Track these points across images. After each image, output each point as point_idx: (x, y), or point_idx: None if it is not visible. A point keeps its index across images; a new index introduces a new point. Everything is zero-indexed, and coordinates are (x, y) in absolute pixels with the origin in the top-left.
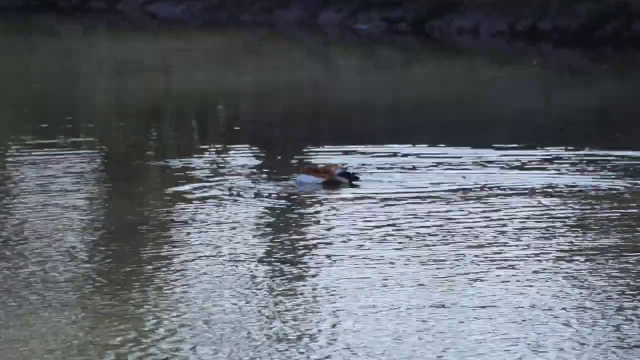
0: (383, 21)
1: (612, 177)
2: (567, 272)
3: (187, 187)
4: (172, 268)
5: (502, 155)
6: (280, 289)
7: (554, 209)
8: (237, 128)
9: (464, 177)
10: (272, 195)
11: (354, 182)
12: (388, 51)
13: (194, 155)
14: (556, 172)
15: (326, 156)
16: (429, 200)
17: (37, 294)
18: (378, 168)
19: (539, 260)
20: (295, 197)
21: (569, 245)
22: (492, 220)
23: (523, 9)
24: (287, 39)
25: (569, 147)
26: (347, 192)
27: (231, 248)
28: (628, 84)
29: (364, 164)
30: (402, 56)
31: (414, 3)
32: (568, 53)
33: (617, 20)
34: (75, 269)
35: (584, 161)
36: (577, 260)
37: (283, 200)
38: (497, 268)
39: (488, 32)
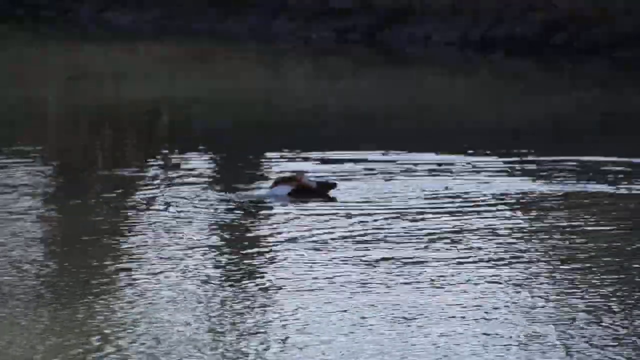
0: (335, 31)
1: (564, 183)
2: (512, 278)
3: (136, 197)
4: (121, 281)
5: (451, 164)
6: (233, 303)
7: (503, 217)
8: (188, 137)
9: (446, 187)
10: (225, 205)
11: (330, 191)
12: (339, 60)
13: (144, 165)
14: (507, 179)
15: (277, 163)
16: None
17: None
18: (334, 175)
19: (475, 267)
20: (249, 206)
21: (513, 252)
22: (447, 226)
23: (475, 18)
24: (239, 47)
25: (520, 155)
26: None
27: (183, 260)
28: (579, 93)
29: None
30: (353, 65)
31: (366, 13)
32: (519, 62)
33: (568, 30)
34: (19, 282)
35: (535, 168)
36: (518, 266)
37: (237, 210)
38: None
39: (440, 41)
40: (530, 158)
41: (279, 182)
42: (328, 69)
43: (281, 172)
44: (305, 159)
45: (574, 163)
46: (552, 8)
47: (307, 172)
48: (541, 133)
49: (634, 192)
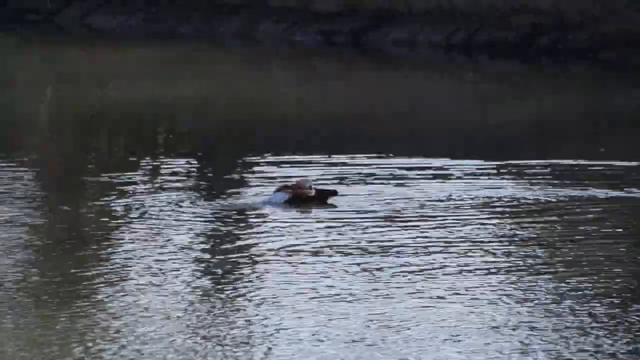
0: (321, 33)
1: (547, 187)
2: (498, 287)
3: (123, 204)
4: (105, 290)
5: (438, 168)
6: (218, 313)
7: (486, 222)
8: (174, 141)
9: (449, 195)
10: (211, 211)
11: (330, 198)
12: (325, 63)
13: (131, 170)
14: (491, 183)
15: (264, 167)
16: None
17: None
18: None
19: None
20: (238, 213)
21: (499, 260)
22: (433, 233)
23: (459, 20)
24: (225, 50)
25: (504, 159)
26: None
27: (166, 267)
28: (563, 95)
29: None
30: (338, 68)
31: (351, 15)
32: (504, 65)
33: (553, 32)
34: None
35: (520, 172)
36: (506, 275)
37: (225, 217)
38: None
39: (425, 44)
40: (516, 162)
41: (280, 189)
42: (314, 72)
43: (285, 179)
44: (292, 163)
45: (561, 166)
46: (536, 11)
47: (306, 177)
48: (527, 136)
49: (621, 195)
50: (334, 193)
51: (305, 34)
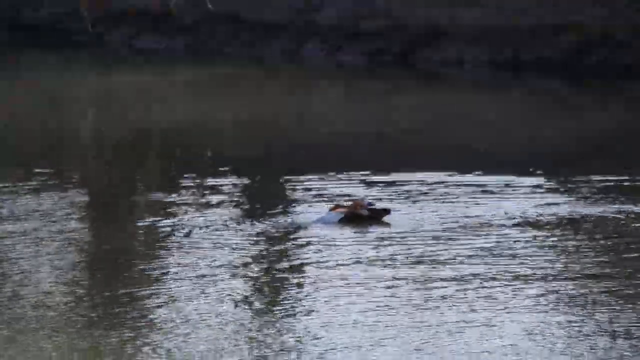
0: (367, 53)
1: (598, 203)
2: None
3: (169, 222)
4: (154, 308)
5: (484, 185)
6: (265, 330)
7: (539, 239)
8: (220, 161)
9: (505, 213)
10: (258, 230)
11: (384, 217)
12: (372, 83)
13: (177, 189)
14: (544, 199)
15: (310, 186)
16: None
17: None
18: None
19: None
20: (282, 231)
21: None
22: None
23: (506, 39)
24: (270, 71)
25: (554, 176)
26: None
27: (215, 286)
28: (612, 114)
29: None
30: (385, 87)
31: (397, 35)
32: (551, 83)
33: (601, 50)
34: (45, 309)
35: (571, 189)
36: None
37: (270, 235)
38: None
39: (471, 62)
40: (571, 178)
41: (333, 208)
42: (361, 92)
43: (345, 198)
44: (341, 182)
45: (615, 182)
46: (584, 27)
47: (365, 196)
48: (578, 153)
49: None
50: (387, 212)
51: (351, 54)
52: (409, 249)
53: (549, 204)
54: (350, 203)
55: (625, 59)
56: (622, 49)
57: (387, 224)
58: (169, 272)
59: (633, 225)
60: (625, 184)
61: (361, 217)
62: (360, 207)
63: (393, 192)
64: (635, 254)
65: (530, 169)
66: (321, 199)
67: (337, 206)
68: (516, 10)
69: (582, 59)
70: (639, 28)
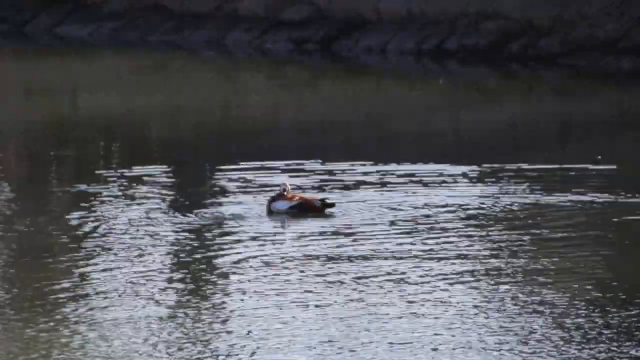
0: (291, 41)
1: (517, 192)
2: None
3: (95, 214)
4: (72, 302)
5: (407, 173)
6: (184, 323)
7: (451, 226)
8: (147, 150)
9: (446, 205)
10: (185, 222)
11: (328, 209)
12: (296, 71)
13: (102, 180)
14: (462, 189)
15: (238, 174)
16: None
17: None
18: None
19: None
20: (210, 223)
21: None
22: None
23: (430, 28)
24: (195, 59)
25: (476, 164)
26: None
27: (136, 279)
28: (533, 101)
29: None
30: (309, 75)
31: (322, 23)
32: (474, 71)
33: (523, 38)
34: None
35: (492, 177)
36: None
37: (197, 226)
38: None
39: (395, 51)
40: (489, 166)
41: (276, 198)
42: (285, 79)
43: (258, 188)
44: (266, 170)
45: (535, 171)
46: (506, 17)
47: (283, 183)
48: (500, 141)
49: (596, 200)
50: (332, 205)
51: (276, 42)
52: (351, 243)
53: (469, 195)
54: (293, 195)
55: (546, 47)
56: (542, 37)
57: (331, 217)
58: (90, 265)
59: (548, 215)
60: (546, 173)
61: (313, 207)
62: (312, 199)
63: (322, 181)
64: (564, 243)
65: (456, 158)
66: (248, 189)
67: (280, 195)
68: (439, 0)
69: (504, 47)
70: (559, 17)
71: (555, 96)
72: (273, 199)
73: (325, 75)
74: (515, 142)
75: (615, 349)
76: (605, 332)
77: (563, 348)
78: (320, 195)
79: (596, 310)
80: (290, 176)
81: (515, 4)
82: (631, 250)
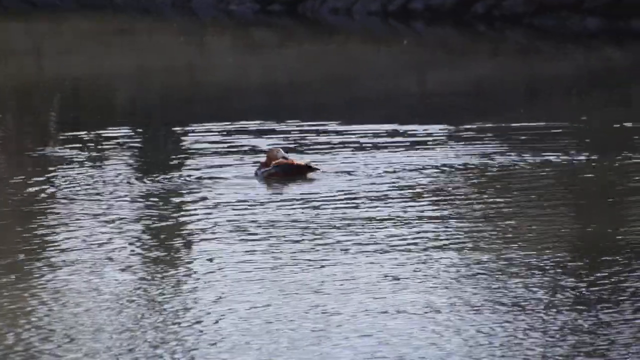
0: (256, 2)
1: (484, 152)
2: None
3: (60, 177)
4: (33, 268)
5: (374, 135)
6: (145, 292)
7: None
8: (112, 112)
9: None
10: (150, 188)
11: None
12: (262, 32)
13: (69, 143)
14: (430, 150)
15: (204, 135)
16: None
17: None
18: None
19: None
20: (171, 191)
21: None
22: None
23: None
24: (161, 21)
25: (441, 124)
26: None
27: (100, 246)
28: (500, 61)
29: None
30: (275, 37)
31: None
32: (440, 31)
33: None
34: None
35: (457, 138)
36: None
37: (163, 192)
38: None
39: (361, 11)
40: (454, 127)
41: (261, 166)
42: (251, 42)
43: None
44: (233, 132)
45: (496, 129)
46: None
47: (276, 146)
48: (463, 101)
49: (560, 159)
50: (313, 169)
51: (241, 3)
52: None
53: (440, 156)
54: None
55: (511, 7)
56: None
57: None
58: (54, 230)
59: (513, 176)
60: (509, 132)
61: (300, 167)
62: (274, 158)
63: (294, 143)
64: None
65: (423, 118)
66: (214, 152)
67: (265, 164)
68: None
69: (469, 7)
70: None
71: (520, 56)
72: (261, 165)
73: (291, 36)
74: (480, 102)
75: (582, 314)
76: (570, 295)
77: (529, 313)
78: (306, 160)
79: (559, 272)
80: (259, 138)
81: None
82: (591, 210)
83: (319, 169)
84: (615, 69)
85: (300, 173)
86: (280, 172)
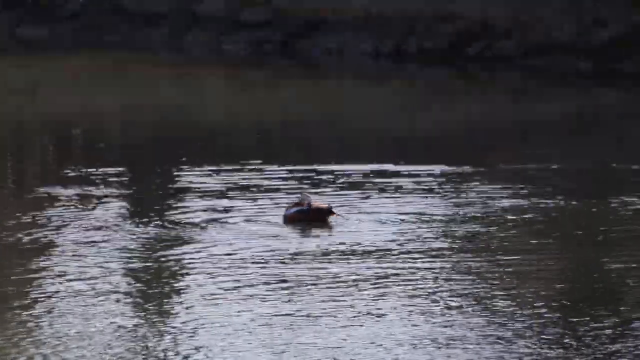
0: (249, 42)
1: (478, 194)
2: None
3: (48, 215)
4: (21, 301)
5: (364, 176)
6: (145, 335)
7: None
8: (102, 152)
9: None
10: (141, 230)
11: (333, 215)
12: (254, 72)
13: (59, 182)
14: (419, 193)
15: (195, 176)
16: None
17: None
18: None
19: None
20: (163, 230)
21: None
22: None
23: (388, 29)
24: (153, 60)
25: (433, 164)
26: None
27: (88, 287)
28: (492, 102)
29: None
30: (268, 77)
31: (279, 24)
32: (432, 72)
33: (481, 40)
34: None
35: (450, 179)
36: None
37: (153, 232)
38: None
39: (354, 52)
40: (448, 168)
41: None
42: (242, 83)
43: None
44: (226, 172)
45: (490, 172)
46: (464, 18)
47: (304, 192)
48: (456, 142)
49: (555, 200)
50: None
51: (233, 43)
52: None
53: (431, 197)
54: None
55: (504, 48)
56: (501, 39)
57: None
58: (48, 271)
59: (506, 219)
60: (502, 173)
61: (323, 211)
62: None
63: (283, 180)
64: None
65: (414, 159)
66: (203, 194)
67: (298, 204)
68: (398, 1)
69: (462, 49)
70: (518, 19)
71: (512, 96)
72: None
73: (283, 76)
74: (470, 143)
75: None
76: (570, 333)
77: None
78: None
79: (562, 313)
80: (253, 178)
81: (473, 5)
82: (590, 250)
83: (339, 215)
84: (607, 110)
85: (319, 219)
86: (302, 215)
